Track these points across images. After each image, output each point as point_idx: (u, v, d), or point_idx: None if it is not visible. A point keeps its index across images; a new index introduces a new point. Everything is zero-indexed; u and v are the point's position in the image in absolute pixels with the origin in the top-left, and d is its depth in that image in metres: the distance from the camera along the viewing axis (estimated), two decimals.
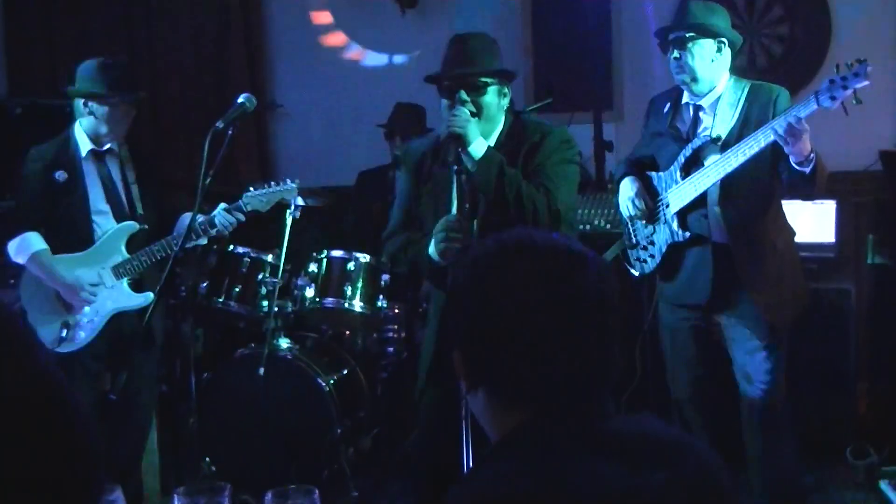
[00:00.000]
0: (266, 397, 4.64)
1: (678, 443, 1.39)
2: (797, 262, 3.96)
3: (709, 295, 3.81)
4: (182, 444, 4.58)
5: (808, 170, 3.54)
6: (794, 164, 3.55)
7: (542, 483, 1.25)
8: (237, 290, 4.88)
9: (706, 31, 3.77)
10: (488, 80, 3.34)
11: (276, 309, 4.73)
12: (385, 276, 4.95)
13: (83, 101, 4.08)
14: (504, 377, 1.37)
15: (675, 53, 3.79)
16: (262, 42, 6.52)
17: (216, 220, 4.05)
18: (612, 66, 5.87)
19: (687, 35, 3.76)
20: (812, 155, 3.52)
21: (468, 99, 3.32)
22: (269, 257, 4.90)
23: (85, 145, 4.11)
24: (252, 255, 4.92)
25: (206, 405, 4.79)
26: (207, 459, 4.75)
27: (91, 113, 4.08)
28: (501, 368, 1.37)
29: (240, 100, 3.63)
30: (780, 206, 3.91)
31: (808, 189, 3.64)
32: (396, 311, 5.17)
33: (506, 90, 3.42)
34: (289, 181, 4.23)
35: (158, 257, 4.08)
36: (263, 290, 4.86)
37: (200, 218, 4.01)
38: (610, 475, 1.27)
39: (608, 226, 4.93)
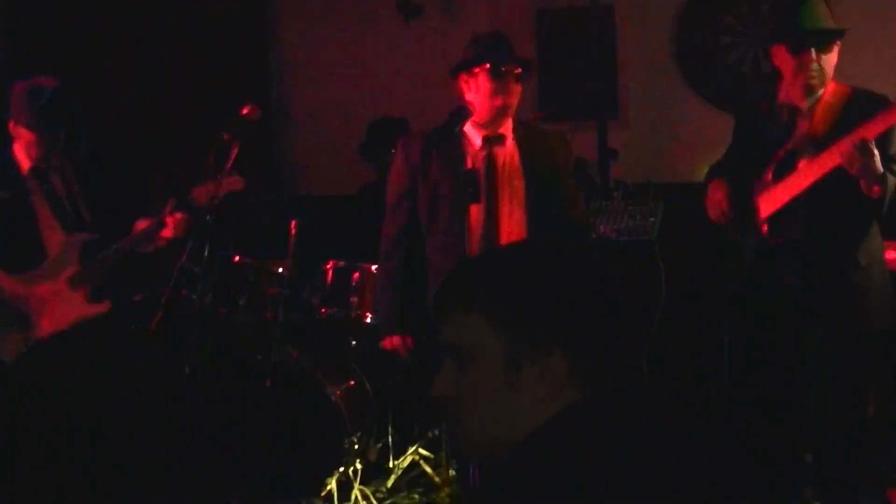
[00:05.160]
0: (273, 407, 4.63)
1: (693, 444, 1.40)
2: (886, 278, 3.79)
3: (797, 302, 3.72)
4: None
5: (875, 195, 3.45)
6: (861, 187, 3.45)
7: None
8: (243, 300, 4.88)
9: (839, 32, 3.67)
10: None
11: (282, 319, 4.73)
12: None
13: (12, 122, 4.07)
14: (587, 337, 1.40)
15: (816, 55, 3.60)
16: (267, 51, 6.53)
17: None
18: (617, 74, 5.87)
19: (831, 35, 3.63)
20: (883, 179, 3.43)
21: None
22: (276, 267, 4.90)
23: (25, 162, 4.10)
24: (258, 265, 4.92)
25: (213, 415, 4.78)
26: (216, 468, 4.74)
27: (20, 136, 4.07)
28: (586, 328, 1.41)
29: (244, 111, 3.63)
30: (872, 219, 3.72)
31: (875, 211, 3.56)
32: None
33: None
34: None
35: (113, 262, 4.08)
36: (270, 301, 4.86)
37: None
38: (628, 470, 1.29)
39: (614, 234, 4.92)
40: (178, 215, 4.05)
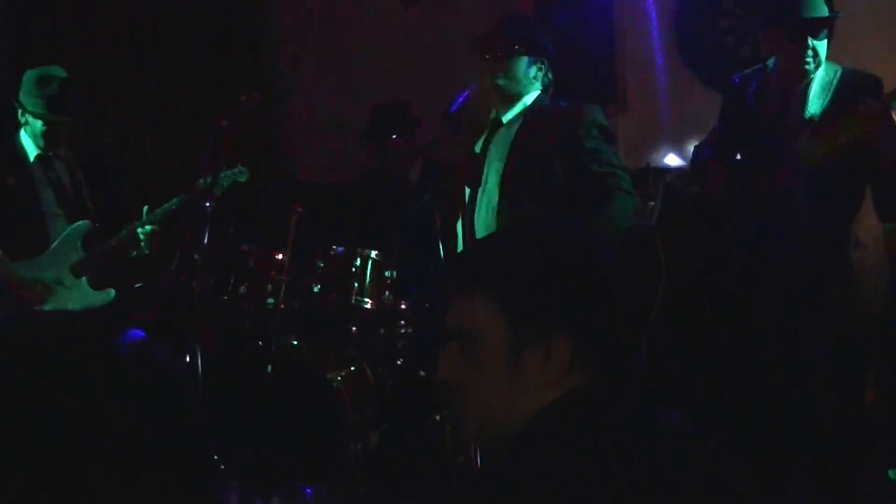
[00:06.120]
0: (273, 394, 4.64)
1: (696, 437, 1.41)
2: (882, 256, 3.83)
3: (797, 285, 3.71)
4: None
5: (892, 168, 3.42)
6: (882, 157, 3.41)
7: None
8: (243, 287, 4.88)
9: (835, 17, 3.71)
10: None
11: (282, 306, 4.73)
12: (391, 272, 4.95)
13: (20, 110, 4.11)
14: (593, 322, 1.41)
15: (811, 42, 3.62)
16: (266, 35, 6.51)
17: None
18: (615, 59, 5.86)
19: (829, 19, 3.66)
20: None
21: None
22: (276, 254, 4.90)
23: (32, 150, 4.15)
24: (258, 252, 4.92)
25: (214, 403, 4.79)
26: (215, 456, 4.75)
27: (27, 123, 4.12)
28: (592, 313, 1.41)
29: (243, 97, 3.64)
30: (868, 196, 3.75)
31: (886, 186, 3.54)
32: (403, 306, 5.16)
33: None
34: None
35: (116, 251, 4.15)
36: (270, 288, 4.86)
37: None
38: (632, 457, 1.30)
39: None
40: (150, 229, 4.09)
